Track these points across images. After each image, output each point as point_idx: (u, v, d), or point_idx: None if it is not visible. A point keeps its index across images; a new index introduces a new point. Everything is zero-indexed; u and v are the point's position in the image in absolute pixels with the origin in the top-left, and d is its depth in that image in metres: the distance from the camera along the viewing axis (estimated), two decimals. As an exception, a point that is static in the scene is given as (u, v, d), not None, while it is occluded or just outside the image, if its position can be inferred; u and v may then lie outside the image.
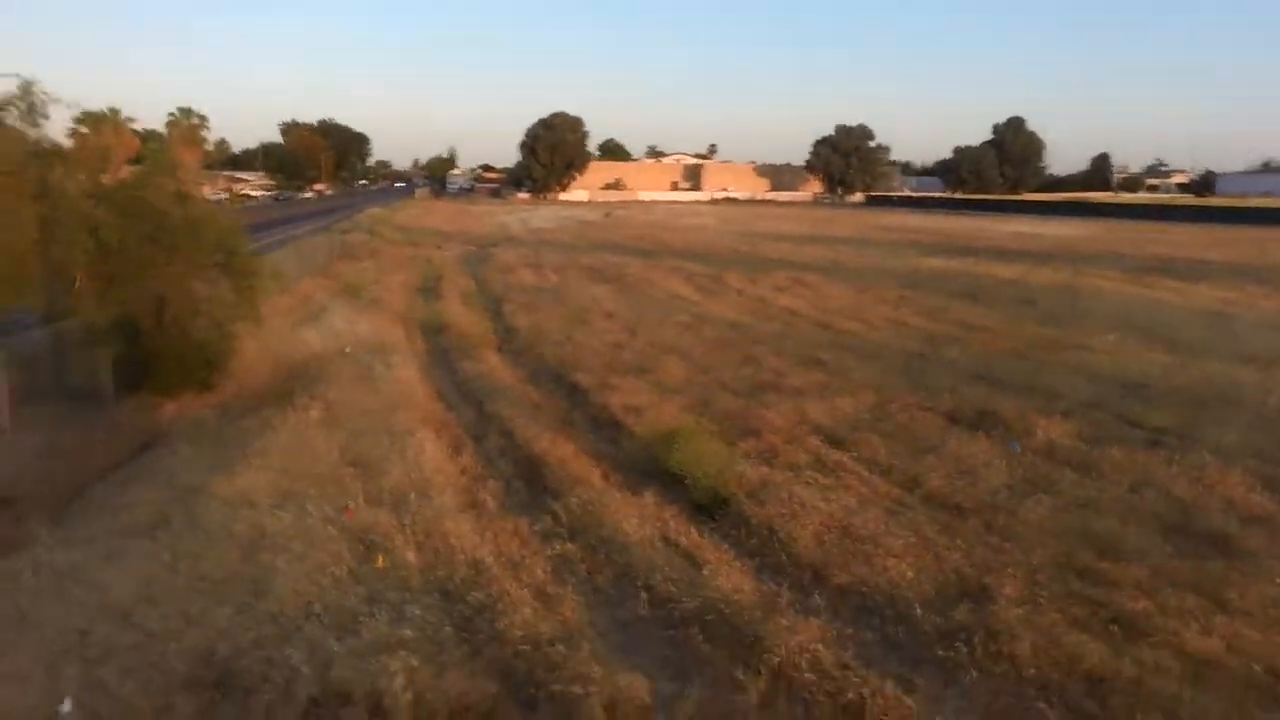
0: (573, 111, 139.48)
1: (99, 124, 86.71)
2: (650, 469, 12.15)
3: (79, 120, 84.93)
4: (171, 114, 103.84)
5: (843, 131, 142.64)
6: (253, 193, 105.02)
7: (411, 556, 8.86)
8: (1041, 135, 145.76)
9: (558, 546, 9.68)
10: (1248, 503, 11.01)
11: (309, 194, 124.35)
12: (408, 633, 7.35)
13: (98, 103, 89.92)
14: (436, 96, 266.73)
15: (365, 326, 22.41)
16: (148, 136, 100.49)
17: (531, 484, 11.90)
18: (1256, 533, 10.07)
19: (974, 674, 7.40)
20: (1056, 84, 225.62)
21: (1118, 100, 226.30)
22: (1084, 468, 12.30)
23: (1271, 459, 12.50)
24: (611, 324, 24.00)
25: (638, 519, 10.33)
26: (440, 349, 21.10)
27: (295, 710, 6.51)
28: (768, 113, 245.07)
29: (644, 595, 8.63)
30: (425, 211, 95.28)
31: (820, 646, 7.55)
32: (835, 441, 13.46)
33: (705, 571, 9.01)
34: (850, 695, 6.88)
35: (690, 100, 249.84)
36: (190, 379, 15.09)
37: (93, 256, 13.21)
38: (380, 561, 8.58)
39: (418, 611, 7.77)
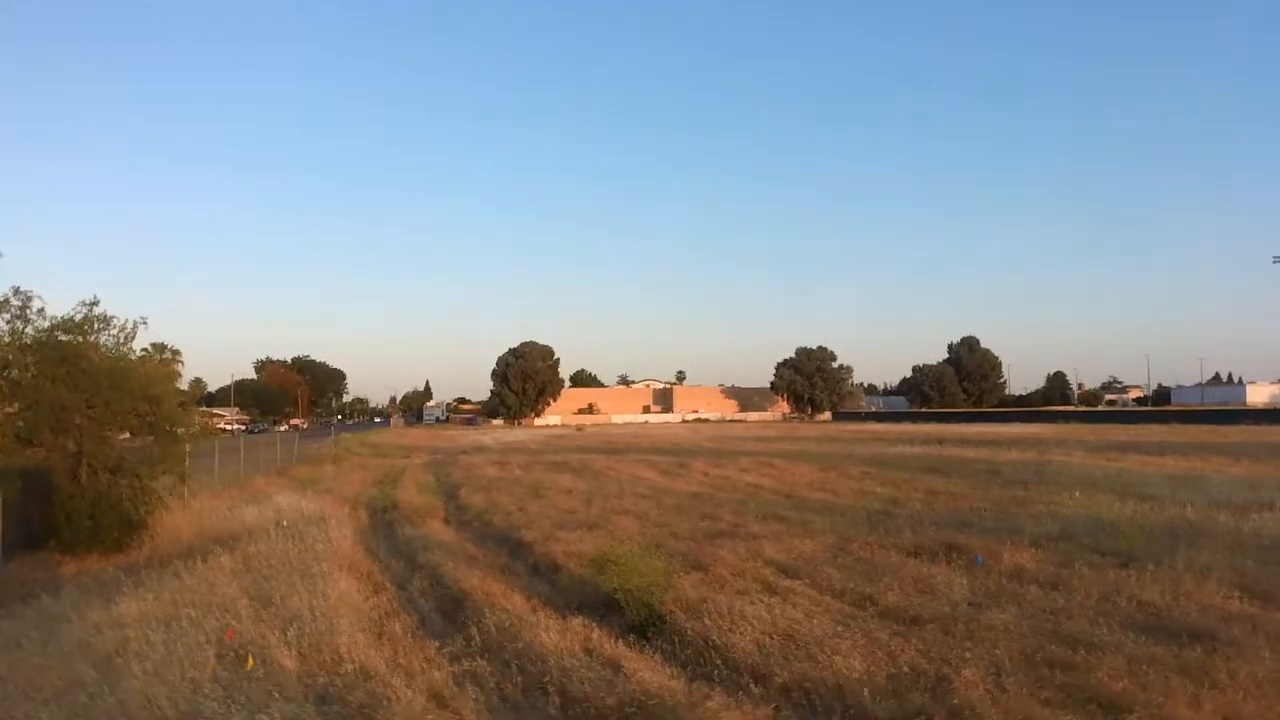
0: (550, 344, 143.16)
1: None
2: (585, 600, 11.17)
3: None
4: (145, 349, 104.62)
5: (803, 353, 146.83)
6: (227, 426, 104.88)
7: (289, 663, 7.77)
8: (996, 353, 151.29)
9: (466, 663, 8.58)
10: (1225, 605, 10.13)
11: (284, 428, 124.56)
12: (263, 724, 6.23)
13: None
14: (411, 334, 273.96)
15: (310, 506, 21.39)
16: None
17: (450, 617, 10.81)
18: (1238, 627, 9.15)
19: (929, 751, 6.34)
20: (1008, 306, 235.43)
21: (1069, 322, 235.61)
22: (1051, 584, 11.40)
23: (1248, 574, 11.65)
24: (568, 498, 23.11)
25: (560, 636, 9.28)
26: (384, 521, 20.07)
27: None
28: (732, 339, 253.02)
29: (556, 699, 7.54)
30: (398, 435, 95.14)
31: (754, 730, 6.50)
32: (787, 572, 12.52)
33: (628, 674, 7.94)
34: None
35: (658, 331, 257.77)
36: (101, 538, 14.02)
37: (4, 395, 12.60)
38: (249, 664, 7.48)
39: (282, 708, 6.66)
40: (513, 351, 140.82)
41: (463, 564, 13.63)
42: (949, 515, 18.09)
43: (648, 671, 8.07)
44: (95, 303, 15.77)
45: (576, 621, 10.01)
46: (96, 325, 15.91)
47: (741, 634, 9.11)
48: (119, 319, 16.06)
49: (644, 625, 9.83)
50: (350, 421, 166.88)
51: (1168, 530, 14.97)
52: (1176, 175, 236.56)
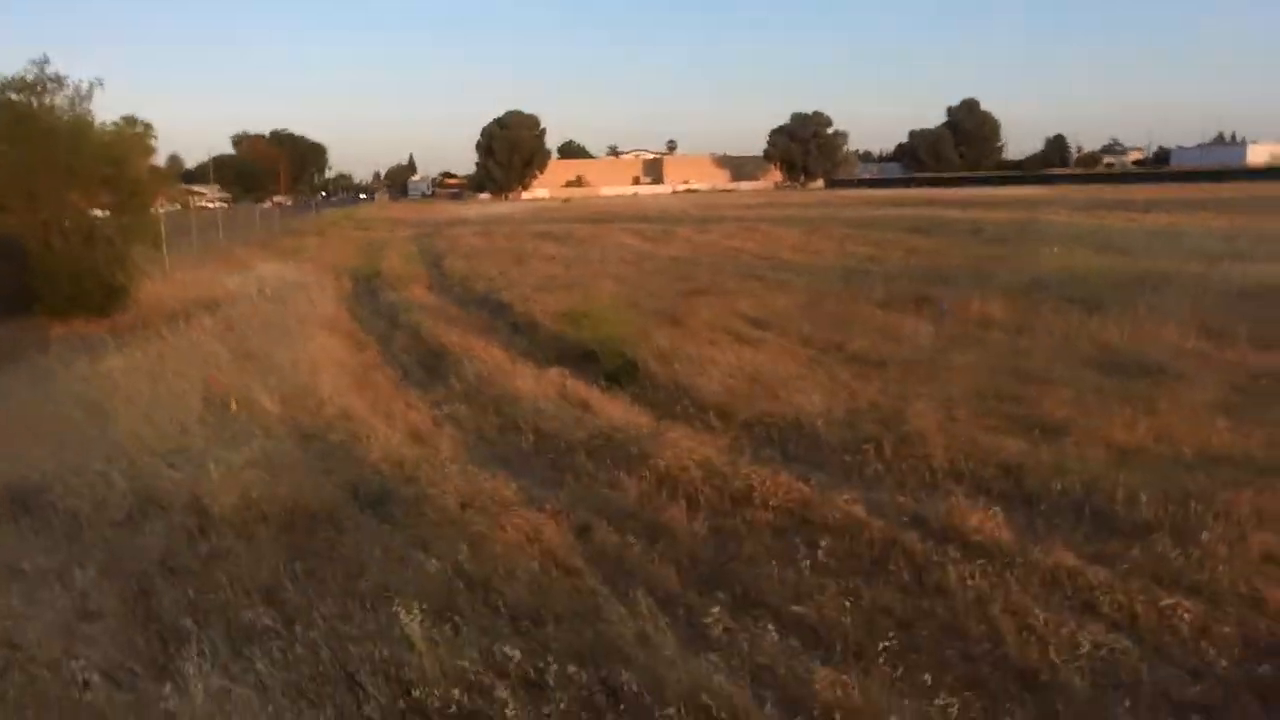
0: (535, 113, 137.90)
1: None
2: (563, 352, 11.47)
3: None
4: (115, 122, 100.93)
5: (799, 119, 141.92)
6: (208, 204, 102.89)
7: (272, 407, 8.11)
8: (996, 117, 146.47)
9: (446, 408, 8.96)
10: (1181, 344, 10.48)
11: (267, 205, 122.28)
12: (248, 458, 6.58)
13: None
14: (394, 106, 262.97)
15: (294, 275, 21.53)
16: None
17: (431, 370, 11.14)
18: (1189, 363, 9.55)
19: (879, 467, 6.77)
20: (1008, 67, 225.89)
21: (1071, 81, 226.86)
22: (1016, 330, 11.76)
23: (1207, 316, 11.92)
24: (550, 265, 23.19)
25: (535, 383, 9.63)
26: (367, 289, 20.24)
27: (108, 518, 5.75)
28: (725, 106, 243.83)
29: (530, 436, 7.94)
30: (382, 209, 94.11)
31: (713, 453, 6.89)
32: (759, 325, 12.81)
33: (597, 412, 8.33)
34: (738, 485, 6.21)
35: (647, 98, 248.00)
36: (84, 303, 14.17)
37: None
38: (233, 407, 7.81)
39: (266, 444, 7.02)
40: (498, 122, 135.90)
41: (444, 323, 13.90)
42: (925, 271, 18.31)
43: (617, 410, 8.46)
44: (46, 62, 15.05)
45: (553, 371, 10.33)
46: (49, 85, 15.25)
47: (710, 378, 9.47)
48: (74, 80, 15.38)
49: (617, 373, 10.16)
50: (334, 198, 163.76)
51: (1138, 279, 15.21)
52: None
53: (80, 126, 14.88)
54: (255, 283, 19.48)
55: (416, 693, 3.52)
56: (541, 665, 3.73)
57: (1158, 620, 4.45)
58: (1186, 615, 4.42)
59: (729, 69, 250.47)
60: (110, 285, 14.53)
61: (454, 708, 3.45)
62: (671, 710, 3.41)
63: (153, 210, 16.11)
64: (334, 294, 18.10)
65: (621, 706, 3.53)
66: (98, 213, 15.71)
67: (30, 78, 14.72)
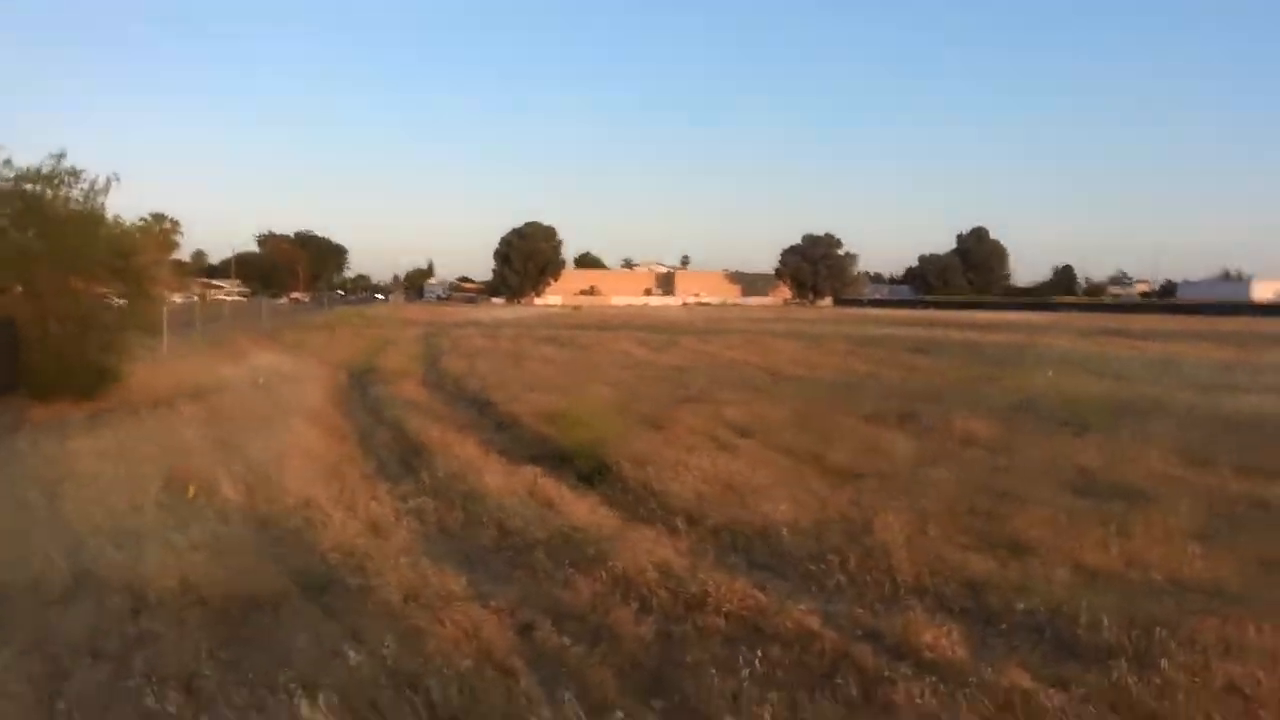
0: (553, 225, 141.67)
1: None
2: (541, 452, 11.37)
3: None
4: (143, 219, 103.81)
5: (809, 240, 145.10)
6: (225, 298, 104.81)
7: (233, 495, 8.01)
8: (1005, 245, 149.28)
9: (412, 502, 8.79)
10: (1163, 469, 10.34)
11: (283, 300, 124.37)
12: (195, 542, 6.46)
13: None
14: (417, 212, 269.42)
15: (291, 367, 21.72)
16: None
17: (406, 464, 11.00)
18: (1167, 488, 9.36)
19: (841, 579, 6.59)
20: (1019, 196, 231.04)
21: (1080, 212, 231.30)
22: (998, 449, 11.63)
23: (1192, 444, 11.79)
24: (547, 368, 23.34)
25: (506, 480, 9.53)
26: (361, 383, 20.25)
27: (40, 598, 5.60)
28: (738, 224, 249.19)
29: (492, 531, 7.79)
30: (396, 310, 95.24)
31: (673, 556, 6.75)
32: (743, 433, 12.73)
33: (564, 512, 8.19)
34: (694, 590, 6.03)
35: (662, 213, 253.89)
36: (69, 386, 14.21)
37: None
38: (190, 492, 7.71)
39: (219, 529, 6.90)
40: (516, 231, 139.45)
41: (429, 420, 13.86)
42: (919, 389, 18.29)
43: (584, 510, 8.33)
44: (63, 155, 15.54)
45: (527, 470, 10.23)
46: (65, 178, 15.71)
47: (683, 483, 9.35)
48: (89, 173, 15.84)
49: (591, 475, 10.05)
50: (352, 297, 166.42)
51: (1128, 406, 15.15)
52: (1194, 70, 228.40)
53: (91, 219, 15.24)
54: (250, 372, 19.63)
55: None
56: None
57: (1109, 752, 4.22)
58: (1139, 748, 4.20)
59: (743, 189, 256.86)
60: (99, 369, 14.61)
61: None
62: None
63: (155, 300, 16.28)
64: (326, 386, 18.17)
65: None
66: (114, 299, 15.93)
67: (46, 170, 15.19)
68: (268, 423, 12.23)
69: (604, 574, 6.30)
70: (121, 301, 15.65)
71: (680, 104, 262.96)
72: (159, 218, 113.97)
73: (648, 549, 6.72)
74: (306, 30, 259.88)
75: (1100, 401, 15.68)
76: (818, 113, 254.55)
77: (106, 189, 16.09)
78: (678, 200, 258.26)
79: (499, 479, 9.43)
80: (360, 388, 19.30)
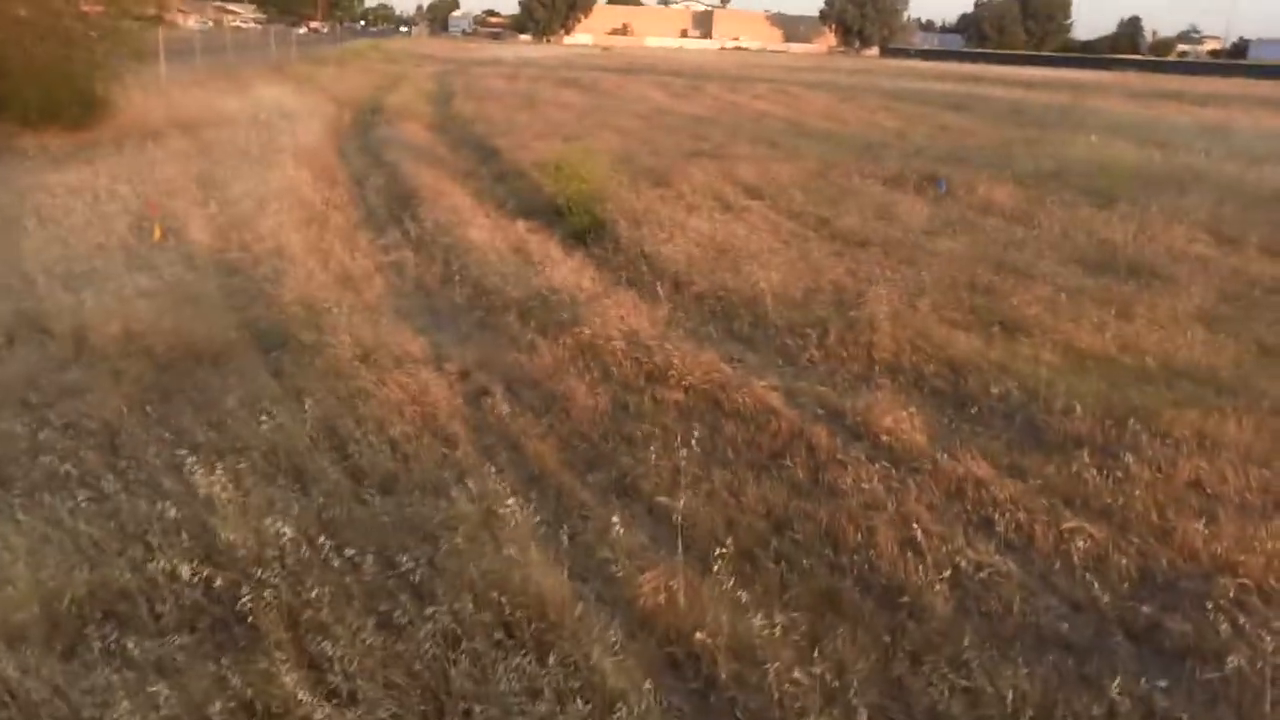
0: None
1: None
2: (538, 206, 10.96)
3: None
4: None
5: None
6: (241, 25, 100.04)
7: (203, 238, 7.76)
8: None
9: (394, 254, 8.57)
10: (1185, 247, 9.80)
11: (301, 30, 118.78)
12: (150, 288, 6.27)
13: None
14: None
15: (295, 102, 20.83)
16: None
17: (397, 215, 10.66)
18: (1185, 267, 8.89)
19: (815, 354, 6.37)
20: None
21: None
22: (1017, 218, 11.07)
23: (1224, 219, 11.13)
24: (562, 113, 22.30)
25: (493, 235, 9.20)
26: (366, 122, 19.50)
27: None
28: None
29: (467, 289, 7.57)
30: (417, 44, 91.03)
31: (646, 325, 6.51)
32: (752, 193, 12.19)
33: (546, 272, 7.90)
34: (658, 360, 5.84)
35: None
36: (57, 113, 13.64)
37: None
38: (157, 234, 7.46)
39: (180, 274, 6.70)
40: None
41: (427, 165, 13.35)
42: (947, 150, 17.34)
43: (567, 271, 8.05)
44: None
45: (520, 225, 9.90)
46: None
47: (677, 245, 8.97)
48: None
49: (584, 232, 9.69)
50: (373, 29, 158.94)
51: (1166, 176, 14.28)
52: None
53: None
54: (253, 106, 18.88)
55: (196, 563, 3.24)
56: (351, 550, 3.45)
57: (1053, 545, 4.11)
58: (1084, 542, 4.08)
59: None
60: (87, 97, 13.98)
61: (221, 579, 3.18)
62: (459, 604, 3.15)
63: (146, 20, 15.26)
64: (327, 125, 17.51)
65: (403, 595, 3.26)
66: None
67: None
68: (257, 161, 11.81)
69: (570, 340, 6.10)
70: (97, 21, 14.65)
71: None
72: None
73: (622, 315, 6.48)
74: None
75: (1137, 171, 14.78)
76: None
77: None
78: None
79: (486, 233, 9.12)
80: (364, 127, 18.59)
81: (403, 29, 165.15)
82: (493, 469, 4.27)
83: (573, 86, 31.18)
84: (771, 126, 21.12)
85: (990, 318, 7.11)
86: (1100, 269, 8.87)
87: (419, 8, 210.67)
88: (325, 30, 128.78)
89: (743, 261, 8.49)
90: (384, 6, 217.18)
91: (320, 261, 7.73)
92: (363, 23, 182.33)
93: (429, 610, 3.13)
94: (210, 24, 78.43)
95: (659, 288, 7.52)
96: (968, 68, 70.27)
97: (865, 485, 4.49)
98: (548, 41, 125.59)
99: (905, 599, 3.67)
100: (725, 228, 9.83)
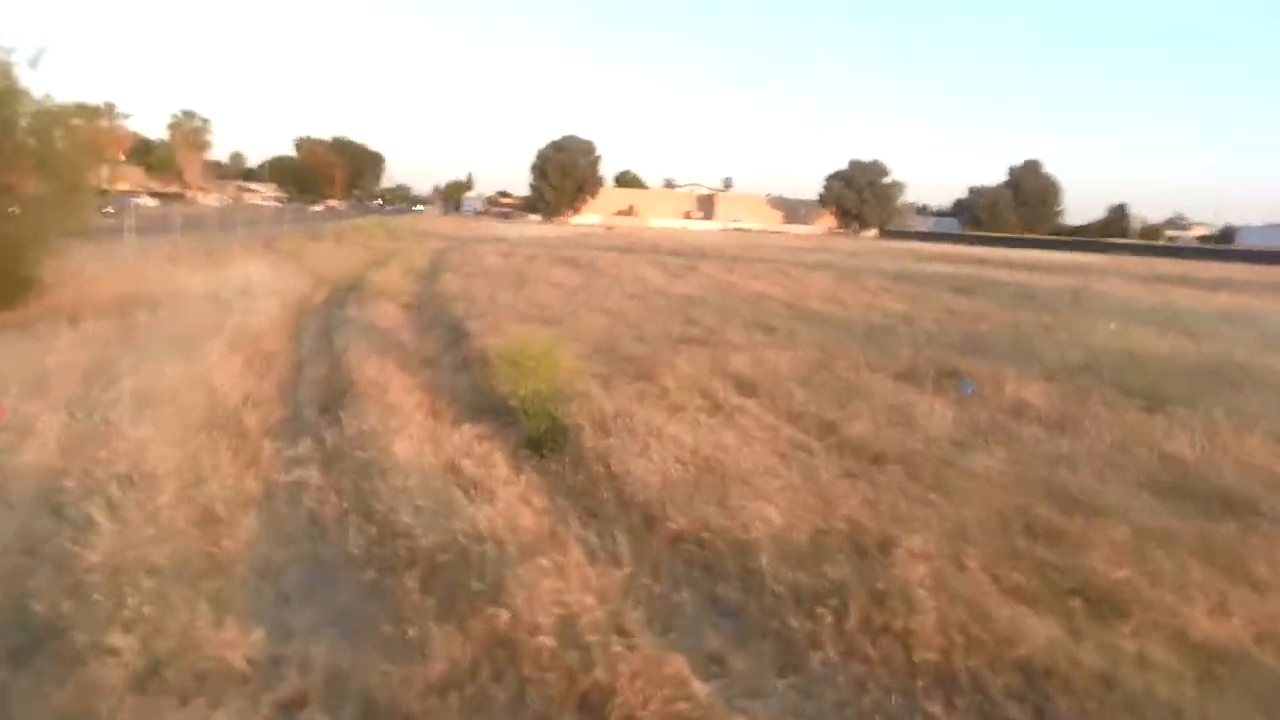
0: (592, 140, 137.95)
1: (93, 116, 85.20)
2: (496, 404, 9.31)
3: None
4: (174, 115, 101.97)
5: (856, 166, 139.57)
6: (261, 202, 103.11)
7: (35, 456, 6.02)
8: (1058, 181, 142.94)
9: (296, 472, 6.81)
10: (1273, 466, 8.03)
11: (319, 208, 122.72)
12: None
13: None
14: (458, 123, 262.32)
15: (269, 277, 19.75)
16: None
17: (325, 412, 9.01)
18: (1288, 499, 7.10)
19: (830, 653, 4.49)
20: (1074, 131, 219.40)
21: (1136, 151, 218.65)
22: (1058, 424, 9.38)
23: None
24: (551, 292, 21.15)
25: (429, 448, 7.47)
26: (339, 300, 18.28)
27: None
28: (783, 148, 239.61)
29: (371, 531, 5.76)
30: (426, 221, 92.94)
31: (592, 602, 4.66)
32: (745, 389, 10.58)
33: (479, 505, 6.12)
34: (601, 675, 3.97)
35: (706, 133, 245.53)
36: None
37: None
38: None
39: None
40: (554, 145, 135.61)
41: (380, 353, 11.82)
42: (961, 338, 15.93)
43: (509, 501, 6.27)
44: None
45: (466, 430, 8.22)
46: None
47: (651, 460, 7.24)
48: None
49: (541, 440, 8.00)
50: (389, 207, 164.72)
51: (1210, 371, 12.76)
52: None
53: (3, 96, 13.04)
54: (217, 283, 17.72)
55: None
56: None
57: None
58: None
59: (790, 111, 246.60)
60: (8, 275, 12.66)
61: None
62: None
63: (87, 196, 14.23)
64: (293, 302, 16.24)
65: None
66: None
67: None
68: (183, 348, 10.28)
69: (481, 629, 4.26)
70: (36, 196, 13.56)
71: (730, 21, 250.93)
72: (189, 115, 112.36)
73: (559, 586, 4.64)
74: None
75: (1173, 364, 13.28)
76: (868, 34, 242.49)
77: (37, 63, 13.89)
78: (723, 120, 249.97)
79: (418, 444, 7.40)
80: (335, 305, 17.34)
81: (417, 207, 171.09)
82: None
83: (568, 264, 30.45)
84: (768, 309, 19.87)
85: (1065, 583, 5.26)
86: (1178, 497, 7.10)
87: (435, 188, 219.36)
88: (342, 208, 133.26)
89: (733, 486, 6.74)
90: (401, 187, 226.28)
91: (185, 488, 5.97)
92: (379, 201, 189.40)
93: None
94: (229, 201, 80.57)
95: (617, 534, 5.71)
96: (967, 250, 71.10)
97: None
98: (555, 222, 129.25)
99: None
100: (713, 435, 8.13)
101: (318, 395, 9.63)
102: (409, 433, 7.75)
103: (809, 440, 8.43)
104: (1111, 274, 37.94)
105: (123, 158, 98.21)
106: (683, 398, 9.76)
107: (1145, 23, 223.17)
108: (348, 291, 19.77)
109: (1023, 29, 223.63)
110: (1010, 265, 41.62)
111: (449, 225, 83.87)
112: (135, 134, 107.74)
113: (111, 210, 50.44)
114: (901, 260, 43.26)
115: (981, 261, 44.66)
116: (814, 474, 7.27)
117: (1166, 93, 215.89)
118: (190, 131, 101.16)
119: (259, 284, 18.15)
